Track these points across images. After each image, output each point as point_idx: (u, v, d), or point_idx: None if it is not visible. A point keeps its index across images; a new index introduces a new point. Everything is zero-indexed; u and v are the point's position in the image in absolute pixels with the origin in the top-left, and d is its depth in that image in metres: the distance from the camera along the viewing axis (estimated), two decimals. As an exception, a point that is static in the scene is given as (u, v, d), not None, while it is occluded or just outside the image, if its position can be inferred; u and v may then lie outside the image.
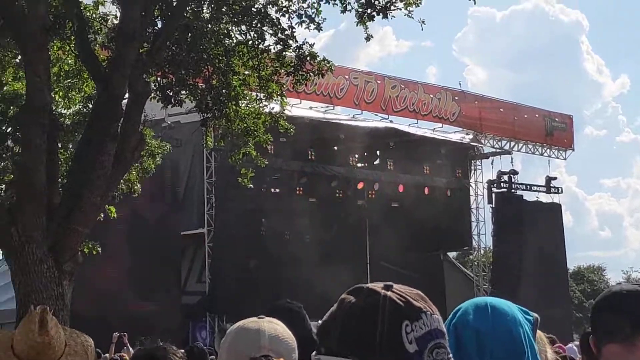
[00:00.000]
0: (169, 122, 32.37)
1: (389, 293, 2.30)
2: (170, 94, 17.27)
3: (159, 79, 17.38)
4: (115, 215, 20.89)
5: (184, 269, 37.41)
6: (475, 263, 50.38)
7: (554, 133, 50.40)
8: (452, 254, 54.61)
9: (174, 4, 15.98)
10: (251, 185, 20.95)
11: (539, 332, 4.07)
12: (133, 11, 14.56)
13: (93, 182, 14.19)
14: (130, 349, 18.94)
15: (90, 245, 20.41)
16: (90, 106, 19.41)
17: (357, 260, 40.74)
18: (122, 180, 17.89)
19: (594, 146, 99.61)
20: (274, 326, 3.50)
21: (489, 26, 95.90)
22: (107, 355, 18.96)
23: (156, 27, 16.21)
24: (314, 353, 2.40)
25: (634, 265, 76.24)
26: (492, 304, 3.10)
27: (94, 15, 17.73)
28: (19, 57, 18.64)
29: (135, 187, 21.50)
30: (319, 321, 2.51)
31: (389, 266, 42.07)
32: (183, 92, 17.59)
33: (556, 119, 51.14)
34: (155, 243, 34.39)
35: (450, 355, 2.30)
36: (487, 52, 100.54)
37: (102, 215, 18.22)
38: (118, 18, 16.72)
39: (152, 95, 16.61)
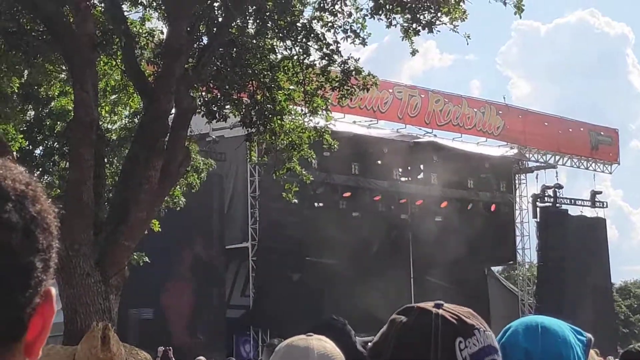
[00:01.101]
0: (214, 137, 32.51)
1: (440, 311, 2.31)
2: (215, 108, 17.36)
3: (203, 94, 17.46)
4: (159, 229, 20.93)
5: (228, 283, 37.51)
6: (520, 278, 50.05)
7: (599, 147, 50.06)
8: (496, 269, 54.35)
9: (220, 19, 16.07)
10: (295, 200, 20.99)
11: (591, 351, 4.06)
12: (180, 27, 14.67)
13: (139, 197, 14.28)
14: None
15: (136, 256, 20.53)
16: (136, 121, 19.57)
17: (400, 275, 40.62)
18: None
19: (639, 160, 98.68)
20: (323, 344, 3.51)
21: (533, 39, 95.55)
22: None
23: (202, 43, 16.32)
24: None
25: (680, 279, 75.21)
26: (542, 324, 3.08)
27: (140, 31, 17.87)
28: (65, 72, 18.81)
29: (180, 201, 21.60)
30: (365, 336, 2.52)
31: (433, 280, 41.97)
32: (228, 107, 17.67)
33: (601, 133, 50.80)
34: (200, 257, 34.61)
35: (503, 371, 2.31)
36: (531, 65, 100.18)
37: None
38: (164, 33, 16.85)
39: (197, 110, 16.70)
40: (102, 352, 4.09)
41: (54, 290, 1.42)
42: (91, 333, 4.16)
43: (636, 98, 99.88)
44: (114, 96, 21.11)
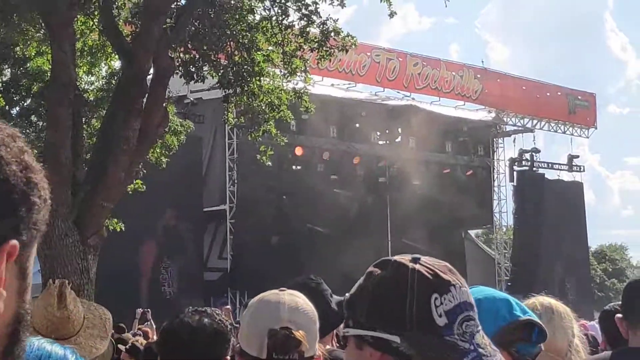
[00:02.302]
0: (192, 99, 32.39)
1: (417, 266, 2.31)
2: (193, 69, 17.28)
3: (181, 54, 17.38)
4: (143, 189, 20.79)
5: (205, 245, 37.51)
6: (497, 241, 50.30)
7: (577, 111, 50.19)
8: (474, 232, 54.60)
9: (198, -21, 16.00)
10: (269, 163, 20.97)
11: (566, 308, 4.09)
12: (158, -14, 14.59)
13: (117, 158, 14.25)
14: (154, 324, 19.06)
15: (115, 222, 20.47)
16: (114, 82, 19.47)
17: (378, 237, 40.74)
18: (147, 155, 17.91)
19: (617, 124, 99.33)
20: (295, 298, 3.53)
21: (512, 3, 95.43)
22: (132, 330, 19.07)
23: (180, 3, 16.23)
24: (342, 326, 2.41)
25: (656, 244, 76.03)
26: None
27: (118, -9, 17.75)
28: (42, 31, 18.67)
29: (161, 159, 21.52)
30: (346, 295, 2.52)
31: (411, 243, 42.10)
32: (206, 68, 17.59)
33: (579, 97, 50.92)
34: (179, 220, 34.61)
35: (480, 327, 2.31)
36: (510, 29, 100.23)
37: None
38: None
39: (175, 70, 16.62)
40: (59, 310, 4.06)
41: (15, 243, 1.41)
42: (47, 291, 4.13)
43: (614, 63, 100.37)
44: (90, 57, 20.96)
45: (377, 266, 2.38)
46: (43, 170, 1.45)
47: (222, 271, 37.06)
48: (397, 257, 2.37)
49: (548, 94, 49.08)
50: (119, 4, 17.26)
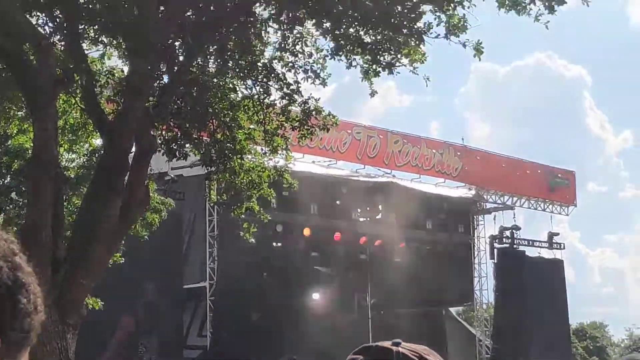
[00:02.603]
0: (172, 176, 32.38)
1: (400, 349, 2.32)
2: (175, 147, 17.32)
3: (164, 132, 17.43)
4: (122, 260, 20.71)
5: (185, 322, 37.28)
6: (477, 319, 50.15)
7: (557, 189, 50.46)
8: (454, 309, 54.47)
9: (181, 58, 16.09)
10: (253, 240, 20.96)
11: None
12: (140, 65, 14.65)
13: (98, 237, 14.20)
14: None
15: (93, 300, 20.33)
16: (95, 159, 19.48)
17: (359, 315, 40.62)
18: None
19: (596, 202, 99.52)
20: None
21: (491, 82, 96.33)
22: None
23: (163, 81, 16.31)
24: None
25: (636, 322, 75.86)
26: None
27: (100, 69, 17.84)
28: (24, 109, 18.70)
29: (143, 234, 21.47)
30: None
31: (392, 321, 41.93)
32: (188, 145, 17.64)
33: (559, 175, 51.22)
34: (158, 296, 34.41)
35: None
36: (489, 107, 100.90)
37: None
38: (125, 72, 16.83)
39: (158, 148, 16.66)
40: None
41: None
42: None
43: (593, 140, 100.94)
44: (72, 135, 20.97)
45: (358, 353, 2.38)
46: (36, 279, 1.45)
47: (202, 349, 36.77)
48: (379, 343, 2.39)
49: (528, 171, 49.38)
50: (102, 83, 17.34)
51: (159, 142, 16.78)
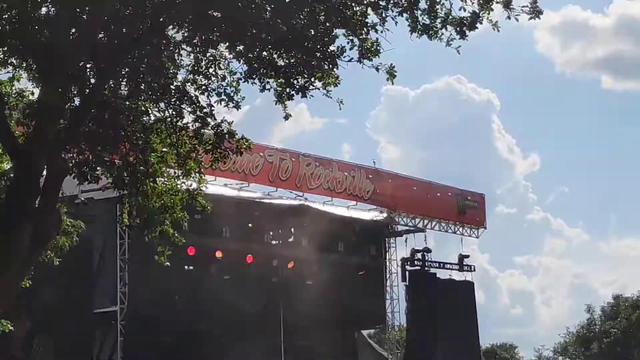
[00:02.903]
0: (83, 199, 32.00)
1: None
2: (87, 170, 17.09)
3: (75, 155, 17.20)
4: (28, 284, 20.40)
5: (95, 348, 36.78)
6: (389, 341, 50.36)
7: (467, 211, 51.04)
8: (367, 332, 54.64)
9: (93, 81, 15.92)
10: (168, 263, 20.78)
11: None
12: (52, 88, 14.47)
13: (9, 262, 13.95)
14: None
15: (3, 322, 20.00)
16: (4, 183, 19.14)
17: (271, 338, 40.49)
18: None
19: (505, 224, 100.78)
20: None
21: (402, 104, 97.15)
22: None
23: (74, 104, 16.10)
24: None
25: (545, 342, 76.94)
26: None
27: (9, 91, 17.56)
28: None
29: (54, 258, 21.17)
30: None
31: (304, 344, 41.89)
32: (99, 168, 17.42)
33: (468, 198, 51.81)
34: (67, 320, 33.89)
35: None
36: (400, 130, 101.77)
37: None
38: (35, 94, 16.60)
39: (69, 172, 16.43)
40: None
41: None
42: None
43: (502, 163, 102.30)
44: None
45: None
46: None
47: (113, 375, 36.35)
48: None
49: (438, 194, 49.86)
50: (11, 105, 17.07)
51: (70, 165, 16.56)
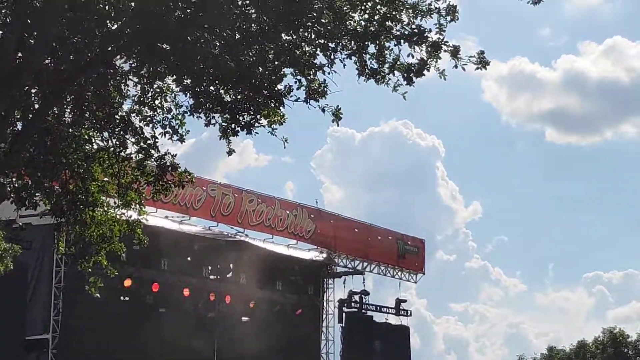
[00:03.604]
0: (20, 224, 31.64)
1: None
2: (25, 196, 16.92)
3: (14, 180, 17.03)
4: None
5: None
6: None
7: (406, 256, 51.24)
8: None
9: (36, 106, 15.79)
10: (98, 295, 20.53)
11: None
12: (-6, 111, 14.35)
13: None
14: None
15: None
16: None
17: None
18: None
19: (444, 270, 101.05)
20: None
21: (347, 146, 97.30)
22: None
23: (16, 128, 15.96)
24: None
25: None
26: None
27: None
28: None
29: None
30: None
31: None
32: (38, 194, 17.25)
33: (409, 242, 52.04)
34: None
35: None
36: (344, 171, 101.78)
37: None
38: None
39: (7, 197, 16.26)
40: None
41: None
42: None
43: (443, 210, 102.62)
44: None
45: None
46: None
47: (40, 403, 35.76)
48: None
49: (379, 237, 50.02)
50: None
51: (9, 189, 16.39)
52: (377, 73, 14.79)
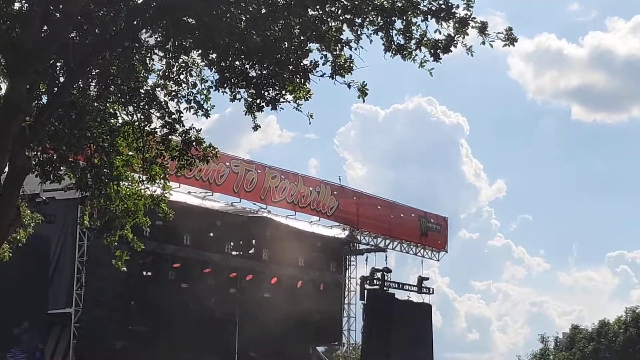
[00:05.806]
0: (44, 198, 31.71)
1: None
2: (50, 169, 16.91)
3: (39, 153, 17.02)
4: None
5: (49, 348, 36.39)
6: (344, 359, 50.25)
7: (429, 234, 51.15)
8: (321, 348, 54.51)
9: (62, 80, 15.75)
10: (125, 268, 20.57)
11: None
12: (19, 84, 14.28)
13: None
14: None
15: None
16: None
17: (225, 349, 40.28)
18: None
19: (467, 249, 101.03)
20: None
21: (371, 123, 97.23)
22: None
23: (41, 102, 15.93)
24: None
25: (499, 369, 77.02)
26: None
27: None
28: None
29: (5, 254, 20.85)
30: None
31: (257, 357, 41.74)
32: (63, 168, 17.24)
33: (431, 220, 51.93)
34: (19, 319, 33.50)
35: None
36: (368, 148, 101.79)
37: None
38: (2, 89, 16.40)
39: (32, 170, 16.24)
40: None
41: None
42: None
43: (467, 188, 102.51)
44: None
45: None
46: None
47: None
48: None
49: (402, 215, 49.93)
50: (-24, 99, 16.86)
51: (33, 163, 16.38)
52: (404, 49, 14.63)
